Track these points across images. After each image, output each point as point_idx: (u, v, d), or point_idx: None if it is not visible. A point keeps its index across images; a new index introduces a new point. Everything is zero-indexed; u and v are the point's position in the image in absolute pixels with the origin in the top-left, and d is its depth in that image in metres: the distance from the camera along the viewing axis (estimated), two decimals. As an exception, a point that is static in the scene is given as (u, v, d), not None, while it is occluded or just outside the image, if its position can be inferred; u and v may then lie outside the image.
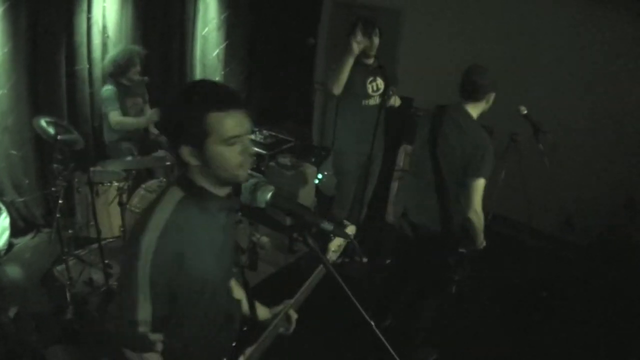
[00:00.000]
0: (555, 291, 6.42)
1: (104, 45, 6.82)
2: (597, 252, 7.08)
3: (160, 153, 6.27)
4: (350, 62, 5.51)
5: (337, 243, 3.25)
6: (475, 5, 8.15)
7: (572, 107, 7.43)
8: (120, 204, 5.62)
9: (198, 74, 8.35)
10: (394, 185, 7.80)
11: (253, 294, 2.89)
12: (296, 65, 9.46)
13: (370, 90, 5.95)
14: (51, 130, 5.30)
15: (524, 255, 7.27)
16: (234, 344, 2.81)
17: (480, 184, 4.40)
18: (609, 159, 7.37)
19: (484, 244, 4.76)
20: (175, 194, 2.31)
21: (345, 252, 6.50)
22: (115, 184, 5.68)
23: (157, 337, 2.28)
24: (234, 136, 2.27)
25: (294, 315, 3.01)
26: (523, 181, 5.58)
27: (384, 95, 5.72)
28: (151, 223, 2.20)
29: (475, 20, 8.18)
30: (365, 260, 6.63)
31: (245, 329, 2.90)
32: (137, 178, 6.13)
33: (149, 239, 2.16)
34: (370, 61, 5.86)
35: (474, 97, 4.57)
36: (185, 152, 2.25)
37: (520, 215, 7.00)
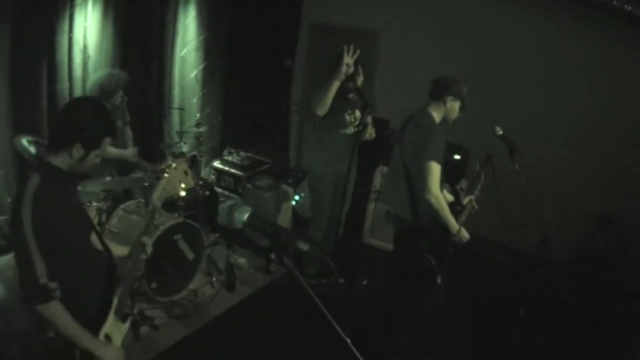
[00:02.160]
0: (533, 309, 6.47)
1: (85, 64, 6.84)
2: (573, 270, 7.23)
3: (138, 174, 6.34)
4: (336, 85, 5.64)
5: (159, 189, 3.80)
6: (453, 27, 8.33)
7: (547, 127, 7.57)
8: (100, 224, 5.74)
9: (177, 95, 8.40)
10: (371, 206, 7.87)
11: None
12: (274, 87, 9.54)
13: (348, 121, 6.16)
14: (32, 150, 5.37)
15: (501, 274, 7.40)
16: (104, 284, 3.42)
17: (430, 165, 4.76)
18: (584, 177, 7.55)
19: (464, 235, 5.02)
20: (36, 177, 2.94)
21: (322, 273, 6.61)
22: (95, 204, 5.74)
23: (54, 285, 2.87)
24: (102, 154, 3.16)
25: (148, 242, 3.65)
26: (499, 201, 5.65)
27: (360, 126, 5.91)
28: (25, 200, 2.83)
29: (452, 42, 8.36)
30: (342, 280, 6.74)
31: (110, 269, 3.45)
32: (115, 198, 6.22)
33: (25, 211, 2.80)
34: (351, 95, 5.97)
35: (434, 97, 5.06)
36: (76, 149, 3.00)
37: (497, 235, 7.08)
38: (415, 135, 4.97)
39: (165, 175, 3.97)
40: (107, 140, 3.14)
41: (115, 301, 3.44)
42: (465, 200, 5.32)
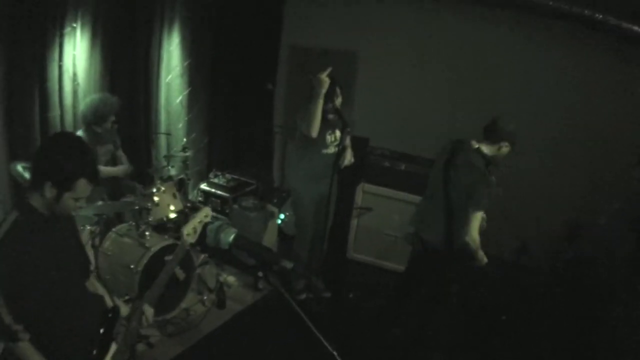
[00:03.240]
0: (515, 315, 6.63)
1: (75, 92, 6.89)
2: (552, 276, 7.35)
3: (129, 198, 6.47)
4: (320, 103, 5.75)
5: (191, 225, 3.56)
6: (429, 44, 8.44)
7: (523, 140, 7.72)
8: (93, 246, 5.81)
9: (163, 120, 8.44)
10: (354, 222, 7.94)
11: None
12: (256, 110, 9.61)
13: (329, 141, 6.26)
14: (27, 175, 5.40)
15: (482, 281, 7.45)
16: (101, 330, 3.24)
17: (478, 215, 5.02)
18: (559, 188, 7.70)
19: (485, 259, 5.20)
20: (12, 215, 2.87)
21: (310, 288, 6.71)
22: (88, 227, 5.84)
23: (19, 327, 2.61)
24: (83, 197, 3.01)
25: (150, 310, 3.44)
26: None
27: (340, 146, 6.04)
28: None
29: (429, 59, 8.45)
30: (328, 295, 6.83)
31: (110, 315, 3.30)
32: (107, 222, 6.28)
33: None
34: (331, 116, 6.08)
35: (489, 138, 5.18)
36: (48, 188, 2.87)
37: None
38: (469, 178, 5.06)
39: (204, 214, 3.80)
40: (82, 182, 2.94)
41: (113, 347, 3.25)
42: None
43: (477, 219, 5.05)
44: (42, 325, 2.86)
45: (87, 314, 3.20)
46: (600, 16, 6.62)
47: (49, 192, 2.87)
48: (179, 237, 6.46)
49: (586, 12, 6.64)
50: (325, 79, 5.67)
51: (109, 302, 3.36)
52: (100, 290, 3.40)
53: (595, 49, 7.33)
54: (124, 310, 3.43)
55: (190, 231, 3.54)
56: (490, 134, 5.21)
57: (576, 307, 6.65)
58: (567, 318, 6.57)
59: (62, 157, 2.90)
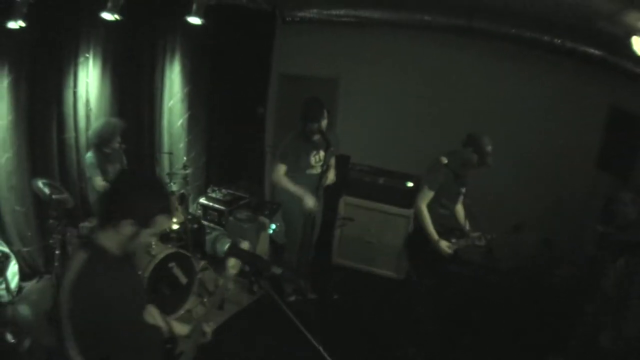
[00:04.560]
0: (484, 313, 6.74)
1: (87, 116, 7.02)
2: (517, 278, 7.52)
3: None
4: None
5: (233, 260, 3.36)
6: (406, 71, 8.60)
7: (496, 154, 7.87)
8: None
9: (166, 141, 8.53)
10: (337, 231, 8.03)
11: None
12: (249, 132, 9.67)
13: (313, 162, 6.35)
14: (47, 191, 5.63)
15: (453, 282, 7.54)
16: None
17: (422, 190, 5.55)
18: (526, 201, 7.83)
19: (443, 247, 5.45)
20: (81, 256, 2.61)
21: (298, 291, 6.77)
22: None
23: None
24: (159, 233, 2.80)
25: (209, 328, 3.25)
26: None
27: (324, 165, 6.07)
28: (65, 281, 2.54)
29: (406, 84, 8.62)
30: (314, 296, 6.88)
31: (169, 345, 3.10)
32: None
33: (64, 293, 2.51)
34: (316, 137, 6.19)
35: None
36: (126, 226, 2.61)
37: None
38: None
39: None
40: (161, 218, 2.72)
41: None
42: (473, 233, 5.71)
43: (421, 193, 5.52)
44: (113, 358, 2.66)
45: (149, 348, 2.98)
46: (559, 41, 6.88)
47: (128, 229, 2.63)
48: (181, 245, 6.56)
49: (546, 37, 6.92)
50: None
51: (165, 332, 3.15)
52: (158, 319, 3.16)
53: (557, 72, 7.57)
54: (181, 329, 3.28)
55: (233, 262, 3.49)
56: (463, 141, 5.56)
57: (543, 306, 6.81)
58: (535, 316, 6.69)
59: (142, 195, 2.70)
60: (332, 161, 6.51)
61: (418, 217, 5.59)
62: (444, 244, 5.45)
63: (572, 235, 7.23)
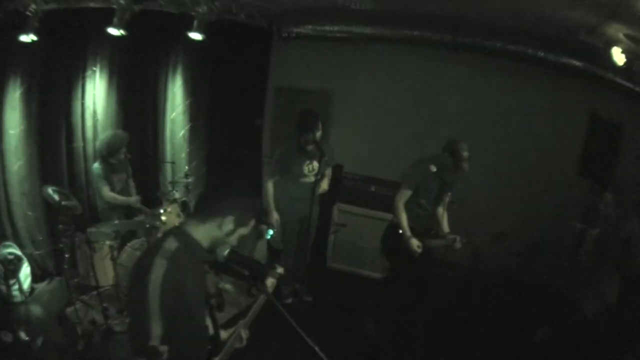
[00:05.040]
0: (472, 314, 6.85)
1: (94, 126, 7.15)
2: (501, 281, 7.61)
3: (140, 217, 6.61)
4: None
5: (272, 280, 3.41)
6: (397, 84, 8.74)
7: (477, 165, 7.97)
8: (112, 259, 5.98)
9: (168, 151, 8.62)
10: (332, 237, 8.11)
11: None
12: (247, 142, 9.70)
13: (306, 171, 6.42)
14: (56, 197, 5.73)
15: (443, 285, 7.61)
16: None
17: (400, 189, 5.76)
18: (510, 200, 7.95)
19: (413, 244, 5.57)
20: (172, 242, 2.72)
21: (295, 293, 6.81)
22: (107, 242, 6.00)
23: (164, 348, 2.56)
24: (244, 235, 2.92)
25: (245, 334, 3.32)
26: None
27: (318, 175, 6.24)
28: (156, 263, 2.60)
29: (397, 97, 8.75)
30: (310, 298, 6.94)
31: (209, 347, 3.16)
32: (123, 237, 6.45)
33: (156, 275, 2.56)
34: (310, 147, 6.25)
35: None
36: (227, 222, 2.78)
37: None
38: None
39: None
40: (253, 221, 2.89)
41: None
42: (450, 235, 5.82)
43: (400, 191, 5.72)
44: (175, 349, 2.66)
45: (199, 345, 3.06)
46: (542, 53, 7.02)
47: (227, 226, 2.79)
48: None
49: (529, 50, 7.06)
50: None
51: (211, 330, 3.19)
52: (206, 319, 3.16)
53: (540, 83, 7.75)
54: (222, 333, 3.32)
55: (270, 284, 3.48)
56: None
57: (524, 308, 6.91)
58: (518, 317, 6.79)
59: (248, 197, 2.92)
60: (328, 171, 6.60)
61: (394, 213, 5.77)
62: (414, 242, 5.59)
63: (555, 238, 7.36)
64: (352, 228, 7.99)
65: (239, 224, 2.83)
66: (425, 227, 5.92)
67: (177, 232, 2.82)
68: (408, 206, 5.77)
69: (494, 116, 8.15)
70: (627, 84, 6.49)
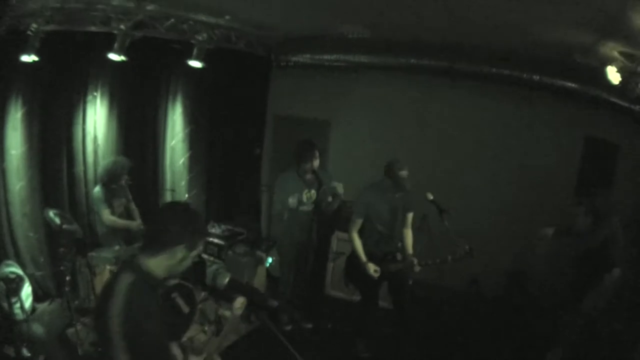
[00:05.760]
0: (470, 337, 6.68)
1: (95, 152, 7.04)
2: (500, 305, 7.44)
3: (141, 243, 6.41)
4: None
5: (240, 301, 3.32)
6: (395, 113, 8.64)
7: (474, 193, 7.84)
8: None
9: (168, 178, 8.50)
10: (330, 265, 7.97)
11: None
12: (246, 171, 9.66)
13: (305, 200, 6.34)
14: (57, 221, 5.65)
15: (440, 309, 7.57)
16: None
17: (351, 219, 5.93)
18: (504, 234, 7.74)
19: (370, 269, 5.66)
20: (128, 277, 2.70)
21: (293, 320, 6.65)
22: (108, 267, 5.89)
23: None
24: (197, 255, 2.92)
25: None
26: (435, 251, 5.82)
27: (316, 203, 6.22)
28: (115, 300, 2.60)
29: (395, 125, 8.64)
30: (309, 326, 6.79)
31: None
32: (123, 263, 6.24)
33: (116, 310, 2.57)
34: (308, 176, 6.25)
35: None
36: (180, 250, 2.76)
37: (434, 277, 7.24)
38: None
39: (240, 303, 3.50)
40: (201, 242, 2.94)
41: None
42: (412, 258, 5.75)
43: (352, 220, 5.91)
44: None
45: None
46: (537, 77, 6.96)
47: (180, 254, 2.79)
48: (184, 277, 6.47)
49: (524, 75, 7.01)
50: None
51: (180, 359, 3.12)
52: (175, 348, 3.11)
53: (535, 106, 7.66)
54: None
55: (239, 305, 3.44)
56: None
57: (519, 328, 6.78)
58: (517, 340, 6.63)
59: (191, 222, 2.88)
60: (331, 199, 6.52)
61: (351, 242, 5.92)
62: (370, 267, 5.66)
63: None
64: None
65: (189, 249, 2.82)
66: (388, 251, 5.94)
67: (132, 265, 2.80)
68: (367, 233, 5.93)
69: (491, 142, 8.03)
70: (623, 103, 6.41)
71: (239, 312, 3.24)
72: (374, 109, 8.82)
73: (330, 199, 6.48)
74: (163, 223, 2.87)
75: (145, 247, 2.88)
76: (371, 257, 5.78)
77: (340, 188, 6.26)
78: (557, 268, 6.46)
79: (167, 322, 2.87)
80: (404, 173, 5.66)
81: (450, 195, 6.34)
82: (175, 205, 3.52)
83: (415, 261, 5.65)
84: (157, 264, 2.78)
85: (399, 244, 6.03)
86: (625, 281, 5.43)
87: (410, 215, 6.04)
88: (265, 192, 9.77)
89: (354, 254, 5.94)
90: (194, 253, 2.87)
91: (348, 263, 6.21)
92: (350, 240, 5.92)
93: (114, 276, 2.80)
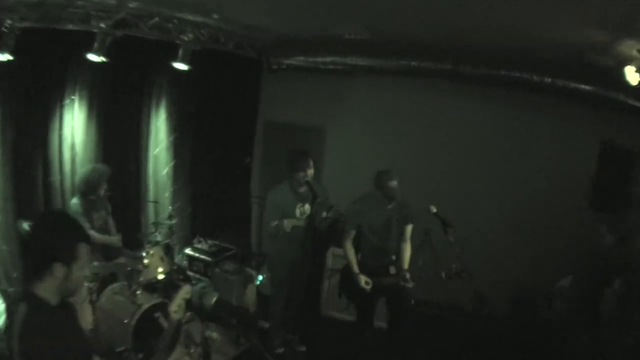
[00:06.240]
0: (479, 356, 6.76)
1: (73, 160, 7.00)
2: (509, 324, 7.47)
3: (121, 259, 6.57)
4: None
5: (176, 303, 3.46)
6: (393, 119, 8.68)
7: (478, 203, 7.88)
8: (91, 302, 5.83)
9: (151, 189, 8.50)
10: (325, 284, 7.99)
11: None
12: (235, 182, 9.69)
13: (298, 214, 6.34)
14: None
15: (445, 328, 7.62)
16: None
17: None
18: (512, 247, 7.81)
19: (360, 280, 5.78)
20: (22, 308, 2.66)
21: (286, 342, 6.69)
22: (86, 284, 5.82)
23: None
24: (87, 264, 2.88)
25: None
26: (438, 267, 5.82)
27: (310, 218, 6.19)
28: (14, 333, 2.59)
29: (393, 132, 8.68)
30: (303, 349, 6.81)
31: None
32: (103, 280, 6.31)
33: (19, 344, 2.56)
34: (302, 189, 6.26)
35: None
36: (57, 269, 2.68)
37: (439, 296, 7.28)
38: None
39: (185, 291, 3.65)
40: (82, 246, 2.82)
41: None
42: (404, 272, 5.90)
43: (345, 231, 6.10)
44: None
45: None
46: (549, 80, 6.97)
47: (59, 271, 2.70)
48: (166, 295, 6.51)
49: (535, 77, 7.01)
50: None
51: None
52: None
53: (547, 111, 7.70)
54: None
55: (176, 308, 3.52)
56: None
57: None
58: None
59: (57, 232, 2.80)
60: (325, 214, 6.53)
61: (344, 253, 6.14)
62: (361, 279, 5.79)
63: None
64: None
65: (67, 263, 2.73)
66: (381, 264, 6.08)
67: (27, 295, 2.76)
68: (361, 244, 6.12)
69: (497, 150, 8.09)
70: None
71: (177, 315, 3.40)
72: (372, 115, 8.87)
73: (325, 213, 6.48)
74: (32, 241, 2.87)
75: (28, 272, 2.90)
76: (364, 270, 5.91)
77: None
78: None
79: (149, 345, 2.88)
80: (393, 183, 5.78)
81: (453, 208, 6.39)
82: (40, 217, 3.50)
83: (408, 275, 5.77)
84: (45, 289, 2.72)
85: (393, 257, 6.13)
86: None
87: (408, 228, 6.15)
88: (256, 204, 9.80)
89: (348, 266, 6.09)
90: (80, 263, 2.80)
91: (342, 274, 6.35)
92: (344, 251, 6.11)
93: (13, 309, 2.85)
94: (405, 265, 6.08)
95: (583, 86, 6.84)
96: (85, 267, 2.87)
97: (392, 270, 6.04)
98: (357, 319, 6.39)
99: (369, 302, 6.10)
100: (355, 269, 5.92)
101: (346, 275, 6.15)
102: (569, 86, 6.92)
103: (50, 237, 2.76)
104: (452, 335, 7.44)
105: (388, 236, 6.05)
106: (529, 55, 6.96)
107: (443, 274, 5.57)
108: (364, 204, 6.07)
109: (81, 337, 2.99)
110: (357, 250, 6.13)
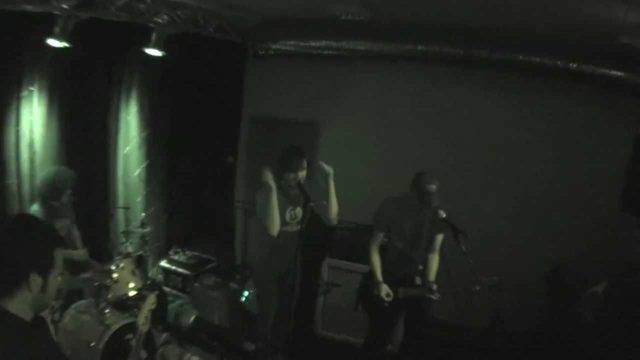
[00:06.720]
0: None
1: (32, 160, 6.89)
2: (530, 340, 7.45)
3: (88, 274, 6.40)
4: (273, 198, 5.90)
5: (142, 315, 3.58)
6: (391, 114, 8.65)
7: (490, 207, 7.82)
8: (53, 321, 5.69)
9: (121, 193, 8.39)
10: (320, 299, 7.90)
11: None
12: (217, 185, 9.66)
13: (288, 219, 6.23)
14: None
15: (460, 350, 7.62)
16: None
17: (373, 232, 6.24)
18: (528, 250, 7.81)
19: (382, 290, 5.89)
20: None
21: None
22: None
23: None
24: (61, 270, 2.77)
25: None
26: (450, 281, 5.81)
27: (302, 223, 6.03)
28: None
29: (391, 129, 8.66)
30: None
31: None
32: (67, 297, 6.20)
33: None
34: (293, 191, 6.14)
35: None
36: (33, 280, 2.60)
37: (450, 315, 7.21)
38: None
39: (150, 302, 3.59)
40: (59, 252, 2.75)
41: None
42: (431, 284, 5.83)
43: (373, 234, 6.22)
44: None
45: None
46: (575, 65, 6.84)
47: (36, 283, 2.63)
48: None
49: (559, 62, 6.88)
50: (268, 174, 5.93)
51: None
52: None
53: (572, 101, 7.64)
54: None
55: (143, 320, 3.45)
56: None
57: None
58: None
59: (29, 239, 2.69)
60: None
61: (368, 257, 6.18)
62: (383, 288, 5.91)
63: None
64: (347, 288, 7.62)
65: (45, 273, 2.68)
66: (407, 273, 6.12)
67: None
68: (386, 252, 6.19)
69: (513, 146, 8.04)
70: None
71: (144, 328, 3.34)
72: (372, 106, 8.81)
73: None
74: (3, 260, 2.70)
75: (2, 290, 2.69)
76: (388, 278, 5.98)
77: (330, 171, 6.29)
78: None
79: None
80: (432, 187, 5.72)
81: (465, 212, 6.34)
82: (6, 223, 3.29)
83: (435, 287, 5.72)
84: (18, 304, 2.64)
85: (420, 267, 6.13)
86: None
87: (439, 237, 6.14)
88: (240, 210, 9.73)
89: (370, 273, 6.13)
90: (57, 271, 2.75)
91: (362, 283, 6.39)
92: (368, 256, 6.11)
93: None
94: (432, 277, 6.06)
95: (615, 72, 6.69)
96: (60, 275, 2.78)
97: (418, 280, 6.05)
98: (369, 336, 6.38)
99: (388, 316, 6.11)
100: (379, 276, 5.98)
101: (367, 283, 6.19)
102: (598, 72, 6.76)
103: (22, 245, 2.65)
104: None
105: (417, 244, 6.04)
106: (554, 37, 6.86)
107: (478, 288, 5.51)
108: (395, 207, 6.08)
109: (60, 355, 2.92)
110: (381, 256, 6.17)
